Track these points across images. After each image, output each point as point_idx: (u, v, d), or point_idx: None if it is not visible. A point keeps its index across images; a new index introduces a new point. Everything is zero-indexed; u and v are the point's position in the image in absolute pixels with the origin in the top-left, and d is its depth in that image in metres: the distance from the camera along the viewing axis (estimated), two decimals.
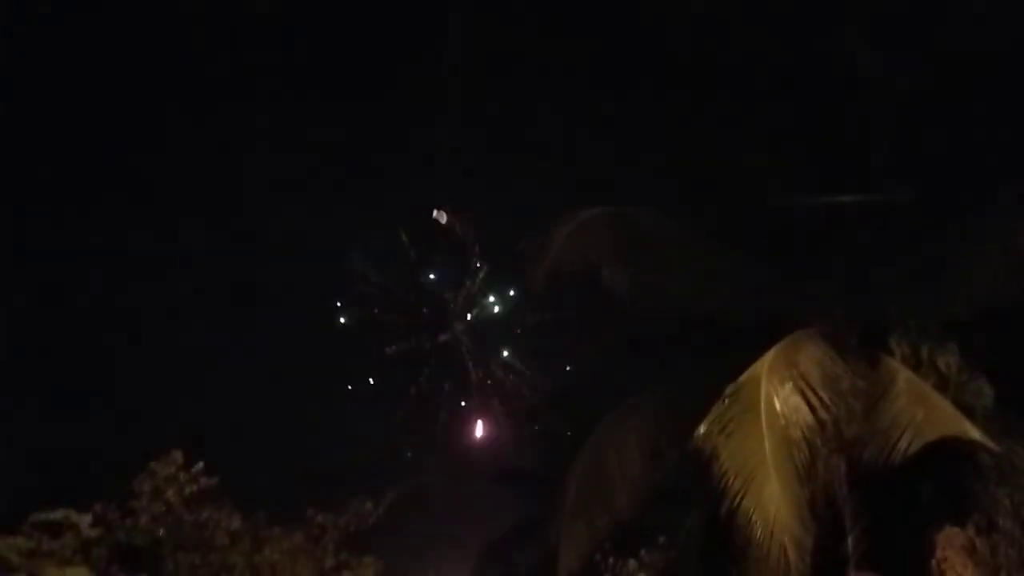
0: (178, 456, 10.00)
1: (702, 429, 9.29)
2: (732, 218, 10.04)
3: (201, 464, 10.06)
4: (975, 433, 8.86)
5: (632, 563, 13.57)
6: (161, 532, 9.67)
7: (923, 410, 9.10)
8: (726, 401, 9.34)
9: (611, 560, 13.91)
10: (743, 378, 9.43)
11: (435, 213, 10.71)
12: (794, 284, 10.33)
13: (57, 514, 8.59)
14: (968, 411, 9.22)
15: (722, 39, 10.54)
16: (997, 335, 9.64)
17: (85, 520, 8.61)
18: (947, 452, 8.98)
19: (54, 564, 7.84)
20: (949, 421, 9.00)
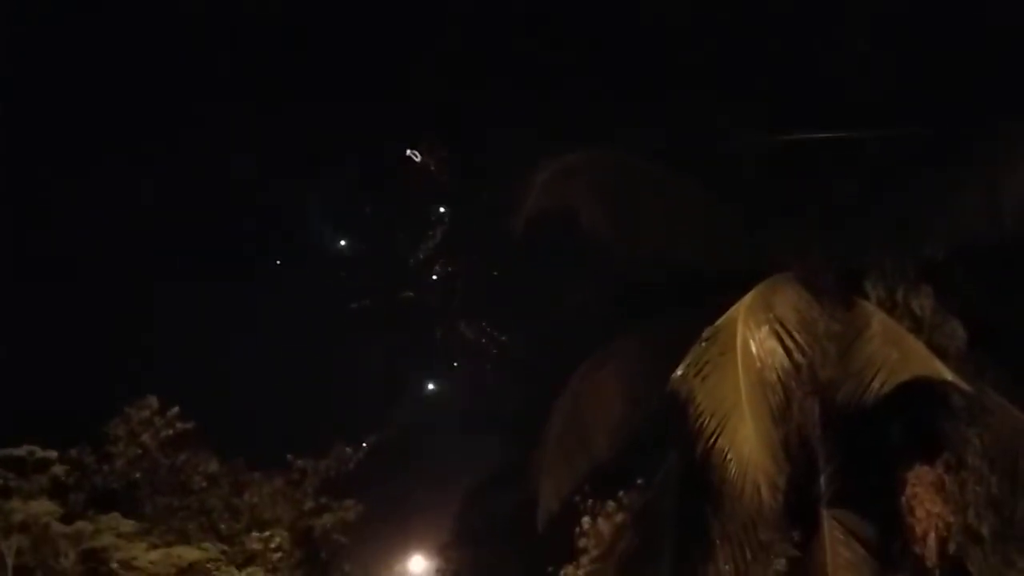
0: (153, 401, 9.96)
1: (679, 372, 9.38)
2: (708, 161, 9.95)
3: (176, 409, 10.04)
4: (947, 374, 8.96)
5: (611, 504, 13.79)
6: (137, 475, 9.68)
7: (897, 351, 9.18)
8: (703, 344, 9.41)
9: (590, 502, 14.13)
10: (720, 321, 9.49)
11: (408, 152, 10.53)
12: (771, 227, 10.32)
13: (21, 450, 8.52)
14: (941, 352, 9.31)
15: None
16: (971, 276, 9.70)
17: (52, 455, 8.55)
18: (919, 393, 9.09)
19: (20, 499, 7.80)
20: (922, 362, 9.09)
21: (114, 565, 7.80)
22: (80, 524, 7.85)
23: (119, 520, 8.12)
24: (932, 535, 9.19)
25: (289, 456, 11.25)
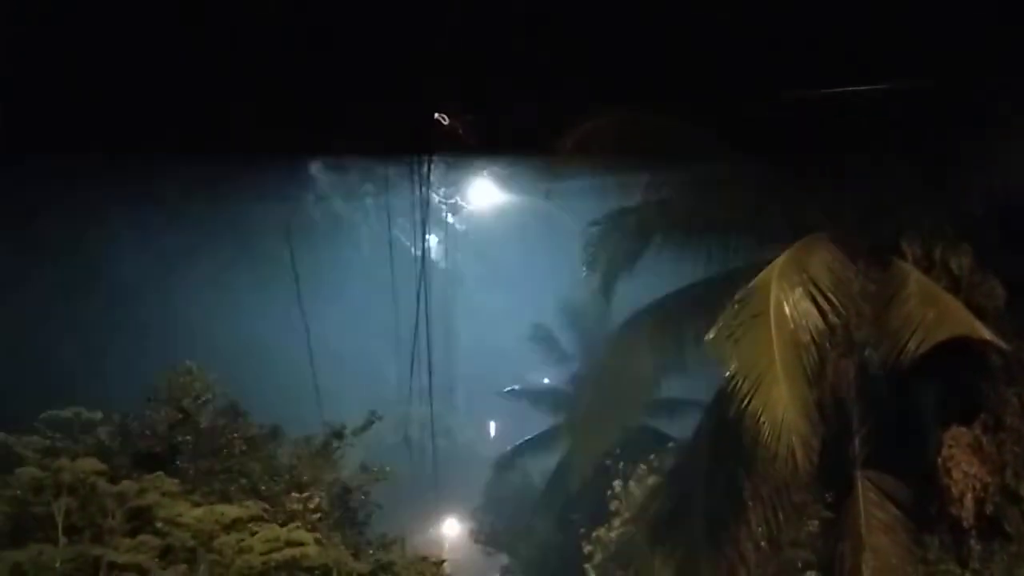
0: (192, 366, 10.18)
1: (712, 334, 9.32)
2: (740, 119, 9.77)
3: (215, 375, 10.25)
4: (986, 333, 8.82)
5: (642, 467, 13.90)
6: (179, 439, 9.93)
7: (934, 311, 9.03)
8: (736, 306, 9.33)
9: (622, 465, 14.26)
10: (753, 283, 9.40)
11: (436, 116, 10.48)
12: (803, 186, 10.16)
13: (68, 411, 8.76)
14: (979, 312, 9.16)
15: None
16: (1010, 234, 9.48)
17: (97, 416, 8.79)
18: (957, 353, 8.96)
19: (67, 458, 8.05)
20: (960, 321, 8.95)
21: (159, 524, 8.03)
22: (125, 483, 8.09)
23: (164, 479, 8.35)
24: (969, 496, 9.11)
25: (324, 419, 11.45)
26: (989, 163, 9.29)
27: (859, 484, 9.55)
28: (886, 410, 9.67)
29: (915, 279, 9.38)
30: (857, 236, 9.96)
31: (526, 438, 19.64)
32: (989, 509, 9.15)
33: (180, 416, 10.05)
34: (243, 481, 9.89)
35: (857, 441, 9.65)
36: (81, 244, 15.55)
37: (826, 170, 10.10)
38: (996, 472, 9.18)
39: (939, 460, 9.26)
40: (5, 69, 9.64)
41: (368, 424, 11.62)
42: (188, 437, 9.99)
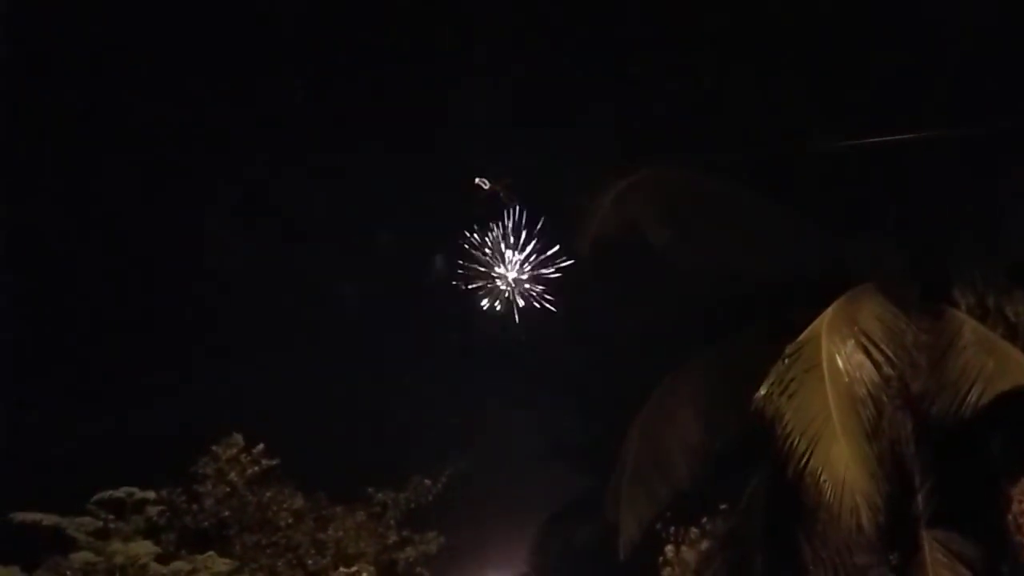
0: (239, 438, 10.14)
1: (763, 391, 9.12)
2: (779, 170, 9.74)
3: (262, 445, 10.19)
4: None
5: (694, 531, 13.46)
6: (226, 514, 9.83)
7: (993, 360, 8.82)
8: (786, 361, 9.15)
9: (672, 529, 13.83)
10: (803, 337, 9.23)
11: (476, 180, 10.58)
12: (849, 236, 10.05)
13: (121, 491, 8.70)
14: None
15: None
16: None
17: (149, 495, 8.71)
18: (1019, 403, 8.69)
19: (119, 540, 7.94)
20: (1021, 370, 8.70)
21: None
22: (177, 564, 7.97)
23: (215, 560, 8.23)
24: None
25: (369, 489, 11.30)
26: None
27: (926, 544, 9.17)
28: (949, 465, 9.35)
29: (971, 328, 9.18)
30: (906, 286, 9.79)
31: (570, 501, 19.23)
32: None
33: (228, 490, 9.98)
34: (290, 555, 9.75)
35: (920, 498, 9.32)
36: None
37: (869, 218, 10.01)
38: None
39: (1009, 516, 8.90)
40: None
41: (414, 489, 11.48)
42: (235, 512, 9.90)
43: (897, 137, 8.86)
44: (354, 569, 9.80)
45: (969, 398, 8.71)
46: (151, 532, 8.78)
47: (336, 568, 9.83)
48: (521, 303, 13.49)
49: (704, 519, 13.57)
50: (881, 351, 9.09)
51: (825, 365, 8.89)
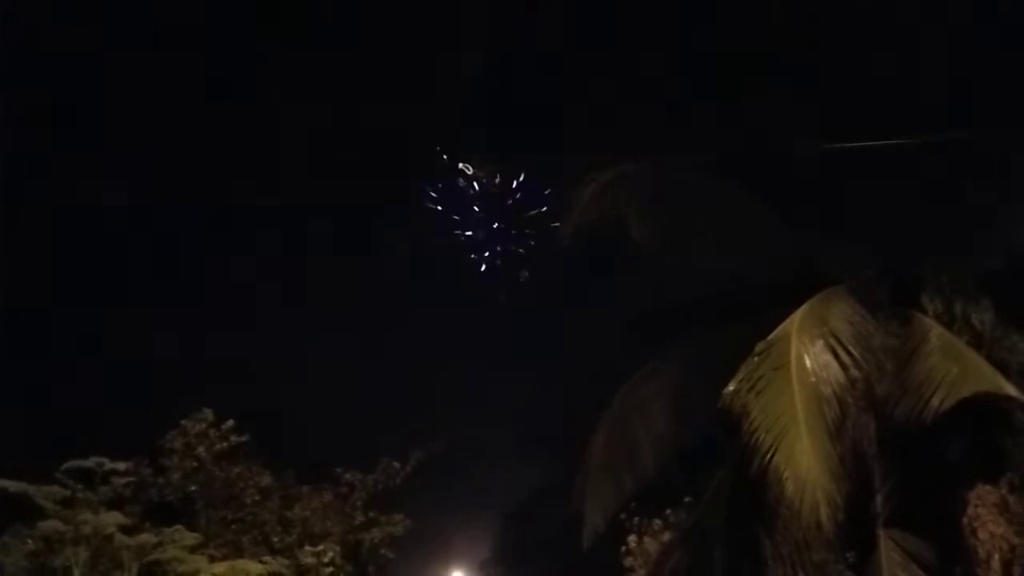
0: (208, 414, 10.08)
1: (731, 387, 9.20)
2: (758, 171, 9.83)
3: (231, 422, 10.14)
4: (1010, 389, 8.72)
5: (657, 523, 13.63)
6: (192, 488, 9.79)
7: (957, 367, 8.95)
8: (756, 359, 9.24)
9: (636, 520, 13.99)
10: (773, 335, 9.32)
11: (460, 165, 10.57)
12: (822, 239, 10.17)
13: (89, 461, 8.65)
14: (1002, 367, 9.07)
15: None
16: None
17: (119, 467, 8.66)
18: (980, 409, 8.85)
19: (88, 510, 7.91)
20: (983, 377, 8.85)
21: None
22: (144, 536, 7.94)
23: (184, 533, 8.20)
24: (996, 557, 8.91)
25: (337, 469, 11.30)
26: (1010, 217, 9.31)
27: (882, 544, 9.33)
28: (909, 467, 9.52)
29: (937, 334, 9.31)
30: (876, 290, 9.93)
31: (537, 489, 19.36)
32: (1017, 572, 8.94)
33: (194, 465, 9.93)
34: (255, 532, 9.73)
35: (880, 499, 9.48)
36: None
37: (843, 222, 10.13)
38: None
39: (965, 520, 9.08)
40: None
41: (383, 472, 11.49)
42: (201, 486, 9.86)
43: (874, 143, 8.97)
44: (320, 548, 9.81)
45: (932, 403, 8.84)
46: (117, 503, 8.73)
47: (301, 546, 9.83)
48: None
49: (668, 511, 13.75)
50: (849, 353, 9.20)
51: (794, 364, 8.98)
